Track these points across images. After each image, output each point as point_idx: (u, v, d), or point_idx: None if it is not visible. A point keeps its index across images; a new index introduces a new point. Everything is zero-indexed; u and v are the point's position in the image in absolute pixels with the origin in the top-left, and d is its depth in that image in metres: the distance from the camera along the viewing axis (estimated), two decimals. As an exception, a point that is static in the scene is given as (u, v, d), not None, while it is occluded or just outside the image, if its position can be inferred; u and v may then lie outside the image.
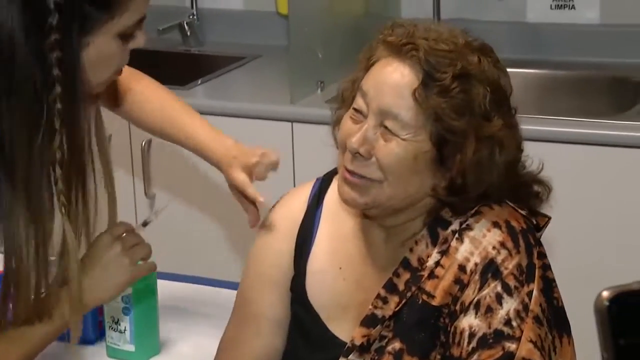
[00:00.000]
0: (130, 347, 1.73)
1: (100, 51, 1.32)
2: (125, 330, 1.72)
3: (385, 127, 1.42)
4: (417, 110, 1.41)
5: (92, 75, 1.33)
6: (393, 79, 1.42)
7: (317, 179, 1.62)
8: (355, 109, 1.46)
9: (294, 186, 1.72)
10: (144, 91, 1.84)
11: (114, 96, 1.82)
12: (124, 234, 1.47)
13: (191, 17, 3.26)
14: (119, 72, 1.41)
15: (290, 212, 1.61)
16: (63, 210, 1.32)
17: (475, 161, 1.42)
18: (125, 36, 1.34)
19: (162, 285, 1.81)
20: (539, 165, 1.52)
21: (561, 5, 2.92)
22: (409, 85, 1.41)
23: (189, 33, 3.23)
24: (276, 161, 1.70)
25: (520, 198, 1.50)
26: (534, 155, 1.52)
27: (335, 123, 1.53)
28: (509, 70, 2.99)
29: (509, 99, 1.47)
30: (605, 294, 0.80)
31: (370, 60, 1.47)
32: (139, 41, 1.37)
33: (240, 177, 1.68)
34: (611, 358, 0.81)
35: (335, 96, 1.57)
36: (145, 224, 1.60)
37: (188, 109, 1.82)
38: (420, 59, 1.40)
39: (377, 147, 1.43)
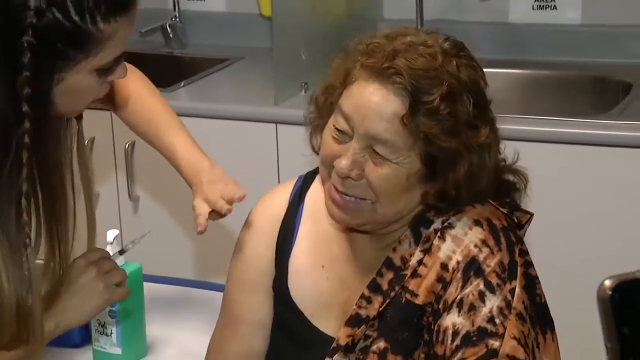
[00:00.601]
0: (117, 350, 1.73)
1: (75, 85, 1.32)
2: (112, 333, 1.72)
3: (374, 151, 1.41)
4: (405, 134, 1.39)
5: (67, 106, 1.33)
6: (377, 104, 1.40)
7: (299, 177, 1.62)
8: (337, 129, 1.44)
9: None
10: (137, 101, 1.85)
11: (113, 101, 1.84)
12: (100, 260, 1.47)
13: (174, 19, 3.25)
14: (102, 99, 1.41)
15: (271, 209, 1.60)
16: (28, 242, 1.31)
17: (468, 172, 1.43)
18: (102, 71, 1.34)
19: (148, 287, 1.81)
20: (514, 156, 1.52)
21: (543, 6, 2.94)
22: (395, 110, 1.39)
23: (171, 35, 3.23)
24: (240, 197, 1.70)
25: (500, 191, 1.50)
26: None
27: (314, 131, 1.52)
28: (491, 70, 3.02)
29: (486, 95, 1.47)
30: (607, 282, 0.79)
31: (349, 77, 1.44)
32: (119, 74, 1.37)
33: (198, 206, 1.69)
34: (615, 348, 0.81)
35: (310, 102, 1.54)
36: (122, 252, 1.61)
37: (173, 123, 1.82)
38: (404, 83, 1.38)
39: (368, 170, 1.42)
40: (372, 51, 1.43)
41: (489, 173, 1.45)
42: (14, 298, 1.31)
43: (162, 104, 1.86)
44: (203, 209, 1.68)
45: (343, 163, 1.42)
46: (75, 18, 1.26)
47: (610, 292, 0.80)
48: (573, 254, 2.45)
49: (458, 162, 1.41)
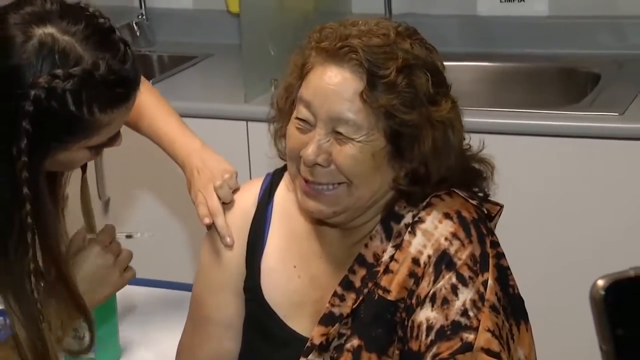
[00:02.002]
0: (91, 354, 1.71)
1: (66, 159, 1.37)
2: (84, 336, 1.70)
3: (338, 132, 1.41)
4: (367, 111, 1.40)
5: (56, 169, 1.39)
6: (336, 85, 1.40)
7: (267, 174, 1.61)
8: (300, 119, 1.44)
9: (250, 185, 1.70)
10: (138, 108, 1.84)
11: None
12: (112, 243, 1.51)
13: (140, 17, 3.23)
14: None
15: (240, 208, 1.59)
16: (39, 306, 1.36)
17: (434, 148, 1.42)
18: (95, 147, 1.37)
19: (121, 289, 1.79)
20: (480, 145, 1.52)
21: (510, -2, 2.94)
22: (355, 88, 1.40)
23: (138, 33, 3.21)
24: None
25: (467, 179, 1.50)
26: (487, 149, 1.53)
27: (277, 135, 1.52)
28: (460, 63, 3.02)
29: (444, 76, 1.47)
30: (600, 282, 0.77)
31: (305, 67, 1.45)
32: (115, 145, 1.40)
33: (197, 197, 1.65)
34: (610, 349, 0.79)
35: (270, 106, 1.54)
36: (129, 236, 1.61)
37: (163, 109, 1.80)
38: (360, 59, 1.39)
39: (334, 153, 1.42)
40: (326, 36, 1.44)
41: (455, 151, 1.45)
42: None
43: (158, 104, 1.83)
44: (201, 199, 1.64)
45: (309, 150, 1.42)
46: (72, 108, 1.29)
47: (603, 293, 0.78)
48: (545, 247, 2.45)
49: (422, 136, 1.41)
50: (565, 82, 2.81)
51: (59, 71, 1.27)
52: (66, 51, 1.29)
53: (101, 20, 1.34)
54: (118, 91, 1.33)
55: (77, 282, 1.45)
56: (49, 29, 1.29)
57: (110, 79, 1.31)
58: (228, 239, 1.57)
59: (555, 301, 2.41)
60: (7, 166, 1.30)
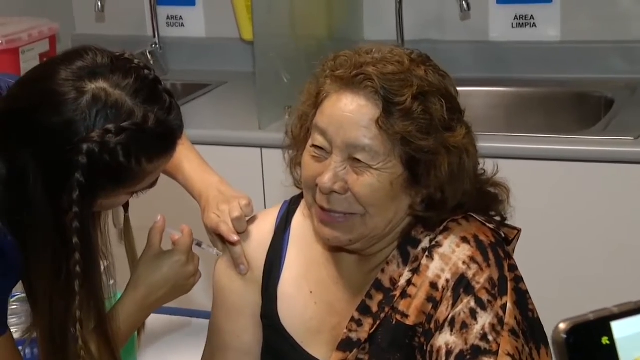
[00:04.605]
0: None
1: (109, 203, 1.42)
2: None
3: (355, 160, 1.41)
4: (383, 137, 1.40)
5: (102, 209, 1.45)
6: (352, 112, 1.40)
7: (285, 202, 1.61)
8: (316, 147, 1.44)
9: (265, 212, 1.70)
10: None
11: None
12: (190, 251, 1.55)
13: (154, 46, 3.26)
14: None
15: (257, 236, 1.59)
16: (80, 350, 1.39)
17: (450, 173, 1.42)
18: (136, 191, 1.42)
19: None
20: (494, 169, 1.52)
21: (523, 24, 2.95)
22: (371, 115, 1.39)
23: (152, 62, 3.23)
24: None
25: (483, 204, 1.50)
26: (502, 173, 1.53)
27: (293, 164, 1.52)
28: (473, 89, 3.03)
29: (458, 102, 1.47)
30: (562, 326, 0.79)
31: (320, 95, 1.45)
32: (153, 187, 1.45)
33: (211, 217, 1.63)
34: None
35: (285, 134, 1.54)
36: (199, 244, 1.61)
37: (187, 149, 1.81)
38: (375, 87, 1.39)
39: (351, 181, 1.41)
40: (340, 64, 1.44)
41: (470, 175, 1.45)
42: None
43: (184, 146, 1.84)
44: (217, 218, 1.63)
45: (325, 178, 1.41)
46: (122, 160, 1.33)
47: (565, 336, 0.80)
48: (560, 271, 2.44)
49: (438, 162, 1.41)
50: (578, 107, 2.81)
51: (111, 126, 1.31)
52: (118, 105, 1.33)
53: (146, 71, 1.39)
54: (164, 141, 1.38)
55: (153, 286, 1.51)
56: (101, 84, 1.33)
57: (158, 131, 1.35)
58: (242, 267, 1.57)
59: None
60: (58, 216, 1.33)
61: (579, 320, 0.80)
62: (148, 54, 3.22)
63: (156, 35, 3.26)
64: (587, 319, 0.80)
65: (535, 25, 2.94)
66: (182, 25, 3.29)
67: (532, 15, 2.93)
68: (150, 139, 1.35)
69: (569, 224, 2.42)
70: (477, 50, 2.97)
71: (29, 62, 2.86)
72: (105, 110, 1.32)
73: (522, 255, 1.56)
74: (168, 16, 3.29)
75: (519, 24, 2.95)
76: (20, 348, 1.49)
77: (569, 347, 0.79)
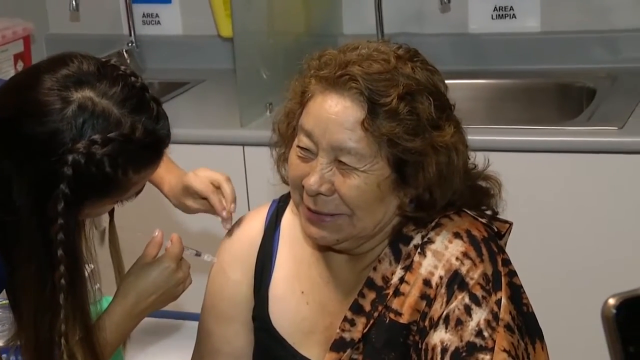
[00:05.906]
0: None
1: (93, 212, 1.40)
2: None
3: (341, 162, 1.39)
4: (368, 139, 1.37)
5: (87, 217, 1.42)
6: (336, 114, 1.38)
7: (273, 201, 1.59)
8: (301, 148, 1.42)
9: (249, 210, 1.68)
10: None
11: None
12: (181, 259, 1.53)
13: (130, 44, 3.22)
14: None
15: (246, 236, 1.57)
16: None
17: (438, 173, 1.40)
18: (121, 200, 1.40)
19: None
20: (485, 162, 1.50)
21: (502, 15, 2.94)
22: (355, 117, 1.37)
23: (129, 61, 3.18)
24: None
25: (475, 198, 1.48)
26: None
27: (279, 161, 1.50)
28: (454, 81, 3.02)
29: (447, 98, 1.45)
30: (611, 301, 0.78)
31: (305, 95, 1.43)
32: (137, 195, 1.43)
33: (201, 179, 1.66)
34: None
35: (272, 130, 1.53)
36: (198, 254, 1.58)
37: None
38: (360, 88, 1.37)
39: (337, 183, 1.39)
40: (325, 63, 1.41)
41: (460, 174, 1.43)
42: None
43: None
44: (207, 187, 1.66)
45: (312, 180, 1.39)
46: (109, 171, 1.30)
47: (614, 311, 0.79)
48: (549, 265, 2.44)
49: (426, 163, 1.39)
50: (560, 98, 2.81)
51: (97, 137, 1.29)
52: (105, 115, 1.30)
53: (133, 79, 1.35)
54: (152, 152, 1.35)
55: (143, 293, 1.48)
56: (88, 93, 1.30)
57: (146, 141, 1.33)
58: (224, 213, 1.60)
59: (565, 318, 2.39)
60: (42, 228, 1.31)
61: (628, 295, 0.79)
62: (124, 52, 3.18)
63: (132, 34, 3.22)
64: (636, 294, 0.79)
65: (515, 17, 2.93)
66: (159, 23, 3.25)
67: (511, 7, 2.92)
68: (138, 150, 1.32)
69: (555, 216, 2.42)
70: (457, 43, 2.96)
71: (3, 63, 2.82)
72: (92, 120, 1.29)
73: (509, 248, 1.54)
74: (144, 14, 3.26)
75: (499, 15, 2.94)
76: (4, 356, 1.46)
77: (619, 321, 0.78)
